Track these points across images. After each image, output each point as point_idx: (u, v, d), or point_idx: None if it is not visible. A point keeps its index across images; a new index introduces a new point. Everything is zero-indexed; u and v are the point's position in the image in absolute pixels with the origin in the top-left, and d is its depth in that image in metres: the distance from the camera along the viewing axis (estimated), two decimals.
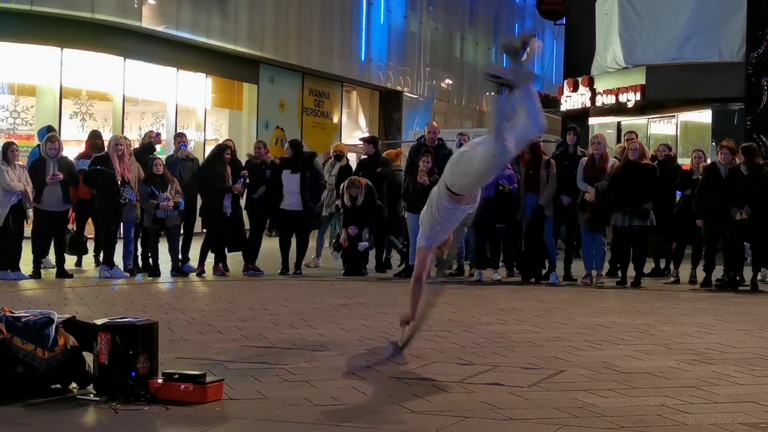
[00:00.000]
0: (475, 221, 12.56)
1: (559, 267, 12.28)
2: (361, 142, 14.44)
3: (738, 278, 12.06)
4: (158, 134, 14.07)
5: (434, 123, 14.05)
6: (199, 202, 13.12)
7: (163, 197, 12.18)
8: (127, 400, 5.08)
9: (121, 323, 5.38)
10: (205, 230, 13.08)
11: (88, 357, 5.40)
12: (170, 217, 12.31)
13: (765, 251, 12.28)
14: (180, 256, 12.67)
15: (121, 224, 12.41)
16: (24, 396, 5.11)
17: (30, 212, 11.85)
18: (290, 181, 12.81)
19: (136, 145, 14.10)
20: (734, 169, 11.57)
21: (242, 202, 13.10)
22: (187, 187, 12.69)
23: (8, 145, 11.91)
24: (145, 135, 14.36)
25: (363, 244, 12.83)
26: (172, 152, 14.51)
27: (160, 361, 5.48)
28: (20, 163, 11.94)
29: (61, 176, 11.74)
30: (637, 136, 13.48)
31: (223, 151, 12.73)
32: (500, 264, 12.60)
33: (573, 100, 23.09)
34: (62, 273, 11.91)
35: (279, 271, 12.77)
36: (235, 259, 13.03)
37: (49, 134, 12.44)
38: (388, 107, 32.00)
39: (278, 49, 25.62)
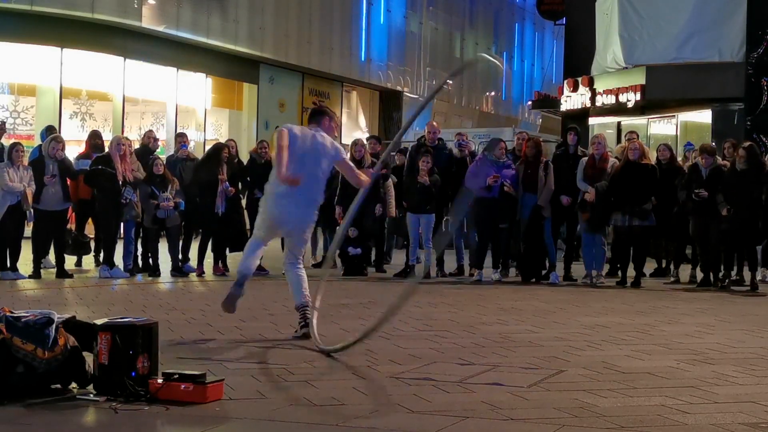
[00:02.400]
0: (478, 221, 12.58)
1: (559, 267, 12.29)
2: (367, 141, 14.37)
3: (738, 278, 12.08)
4: (156, 140, 14.00)
5: (434, 123, 14.06)
6: None
7: (164, 197, 12.18)
8: (127, 400, 5.08)
9: (121, 323, 5.37)
10: (200, 230, 13.08)
11: (88, 357, 5.40)
12: (170, 217, 12.31)
13: (763, 251, 12.33)
14: (180, 256, 12.67)
15: (121, 224, 12.42)
16: (24, 396, 5.11)
17: (30, 213, 11.84)
18: None
19: (137, 146, 14.10)
20: (716, 168, 11.59)
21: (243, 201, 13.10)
22: (187, 187, 12.69)
23: (14, 146, 11.92)
24: (144, 135, 14.32)
25: (353, 250, 12.80)
26: (172, 152, 14.50)
27: (160, 361, 5.47)
28: (24, 164, 11.92)
29: (57, 176, 11.69)
30: (637, 136, 13.48)
31: (220, 150, 12.68)
32: (501, 264, 12.61)
33: (573, 100, 23.09)
34: (62, 273, 11.91)
35: (282, 272, 12.73)
36: (235, 259, 13.01)
37: (54, 134, 12.43)
38: (388, 107, 32.01)
39: (278, 49, 25.63)
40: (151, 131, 14.36)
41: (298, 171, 7.36)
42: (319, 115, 7.81)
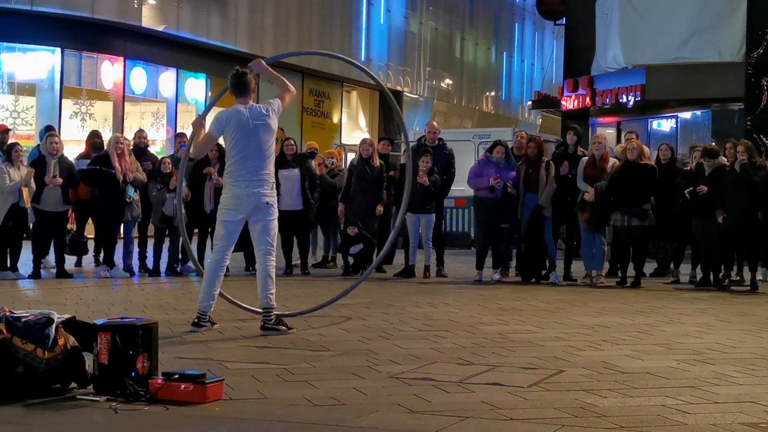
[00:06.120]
0: (481, 221, 12.58)
1: (559, 267, 12.28)
2: (380, 141, 14.30)
3: (738, 278, 12.07)
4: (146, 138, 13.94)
5: (434, 123, 14.04)
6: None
7: (172, 195, 12.15)
8: (127, 400, 5.08)
9: (121, 323, 5.37)
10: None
11: (88, 357, 5.40)
12: (177, 216, 12.26)
13: (763, 251, 12.32)
14: (180, 257, 12.65)
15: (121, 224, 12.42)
16: (24, 396, 5.11)
17: (30, 212, 11.83)
18: (289, 180, 12.75)
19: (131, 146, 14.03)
20: (718, 169, 11.57)
21: None
22: (187, 187, 12.64)
23: (12, 146, 11.92)
24: (135, 135, 14.19)
25: (355, 248, 12.78)
26: (172, 152, 14.46)
27: (160, 361, 5.48)
28: (24, 164, 11.92)
29: (60, 181, 11.69)
30: (636, 136, 13.47)
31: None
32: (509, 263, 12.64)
33: (573, 100, 23.09)
34: (62, 273, 11.91)
35: (283, 272, 12.74)
36: (235, 260, 13.00)
37: (50, 132, 12.42)
38: (388, 107, 31.98)
39: (278, 49, 25.60)
40: (141, 131, 14.25)
41: (242, 159, 7.55)
42: (246, 89, 7.82)
